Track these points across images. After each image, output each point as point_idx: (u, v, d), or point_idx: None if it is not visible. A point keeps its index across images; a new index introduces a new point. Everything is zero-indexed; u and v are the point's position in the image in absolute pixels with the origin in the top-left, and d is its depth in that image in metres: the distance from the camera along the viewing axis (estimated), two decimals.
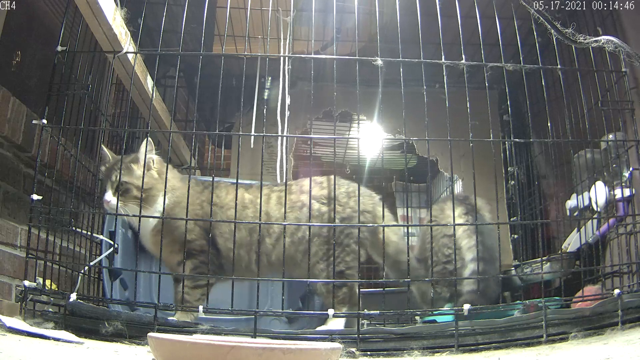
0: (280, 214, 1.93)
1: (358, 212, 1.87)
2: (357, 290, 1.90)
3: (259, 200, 1.90)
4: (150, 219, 1.89)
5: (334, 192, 1.96)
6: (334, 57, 1.92)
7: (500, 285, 2.22)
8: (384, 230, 1.90)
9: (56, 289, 1.80)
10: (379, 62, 1.78)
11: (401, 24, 1.81)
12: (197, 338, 1.33)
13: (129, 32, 1.94)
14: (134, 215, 1.85)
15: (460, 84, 1.80)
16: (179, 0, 2.14)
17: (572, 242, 2.47)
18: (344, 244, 1.93)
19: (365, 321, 2.03)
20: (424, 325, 2.03)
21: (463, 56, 1.82)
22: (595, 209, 2.20)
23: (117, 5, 1.85)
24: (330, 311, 1.66)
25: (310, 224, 1.88)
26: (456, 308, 1.65)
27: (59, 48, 1.80)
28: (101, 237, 2.21)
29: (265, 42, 2.39)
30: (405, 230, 2.34)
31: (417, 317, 2.16)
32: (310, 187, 1.83)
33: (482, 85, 1.90)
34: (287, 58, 2.26)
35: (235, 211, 1.80)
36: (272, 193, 2.02)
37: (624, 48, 1.93)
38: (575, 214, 2.39)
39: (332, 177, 1.95)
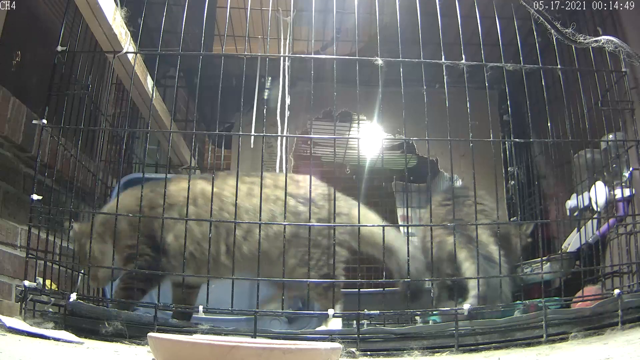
0: (250, 204, 1.85)
1: (334, 214, 1.82)
2: (357, 290, 1.88)
3: (224, 192, 1.85)
4: None
5: (309, 193, 1.81)
6: (334, 57, 1.91)
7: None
8: (359, 230, 1.78)
9: (56, 289, 1.80)
10: (379, 62, 1.77)
11: (401, 24, 1.81)
12: (197, 338, 1.33)
13: (129, 32, 1.94)
14: (135, 215, 1.84)
15: (460, 84, 1.80)
16: (179, 0, 2.14)
17: (572, 242, 2.46)
18: (322, 245, 1.84)
19: (365, 321, 2.03)
20: (424, 325, 2.03)
21: (463, 56, 1.82)
22: (595, 209, 2.20)
23: (117, 5, 1.85)
24: (330, 311, 1.66)
25: (286, 222, 1.78)
26: (456, 308, 1.65)
27: (59, 48, 1.80)
28: None
29: (265, 42, 2.39)
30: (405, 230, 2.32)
31: (417, 317, 2.16)
32: (285, 185, 1.75)
33: (482, 85, 1.89)
34: (287, 58, 2.26)
35: (200, 208, 1.80)
36: (243, 185, 1.88)
37: (624, 48, 1.93)
38: (575, 214, 2.39)
39: (308, 176, 1.83)
